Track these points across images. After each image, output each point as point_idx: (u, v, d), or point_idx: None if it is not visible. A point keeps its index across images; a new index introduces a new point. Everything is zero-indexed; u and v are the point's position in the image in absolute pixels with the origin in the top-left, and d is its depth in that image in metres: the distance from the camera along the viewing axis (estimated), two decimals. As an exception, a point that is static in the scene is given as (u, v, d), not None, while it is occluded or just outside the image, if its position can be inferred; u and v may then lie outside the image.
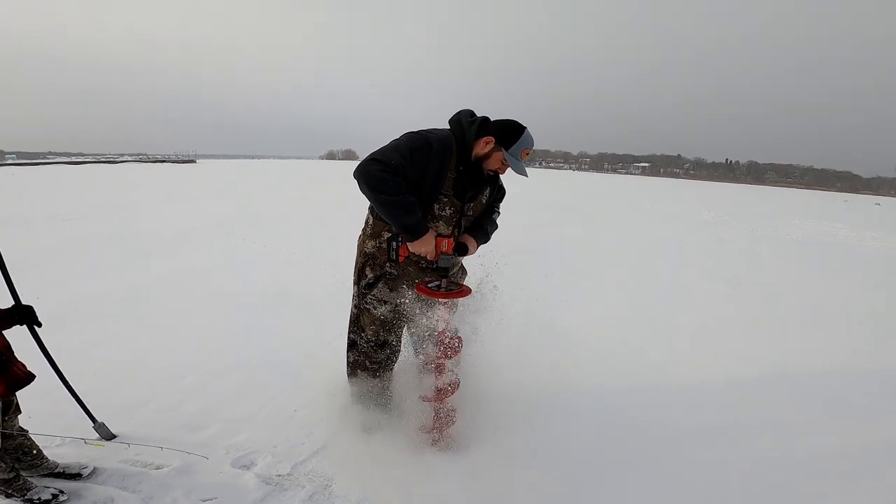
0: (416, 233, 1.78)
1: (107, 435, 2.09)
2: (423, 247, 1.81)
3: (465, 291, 1.93)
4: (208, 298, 4.13)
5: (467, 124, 1.87)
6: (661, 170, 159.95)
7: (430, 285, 1.94)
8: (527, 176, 1.92)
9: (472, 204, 1.99)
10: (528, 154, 1.86)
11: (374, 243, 2.01)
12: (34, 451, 1.80)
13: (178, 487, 1.84)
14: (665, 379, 3.02)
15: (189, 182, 17.72)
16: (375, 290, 2.04)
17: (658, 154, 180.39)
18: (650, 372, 3.11)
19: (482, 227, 2.08)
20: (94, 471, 1.89)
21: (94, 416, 2.06)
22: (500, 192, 2.17)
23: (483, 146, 1.85)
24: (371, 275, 2.04)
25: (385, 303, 2.06)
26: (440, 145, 1.80)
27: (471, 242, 2.01)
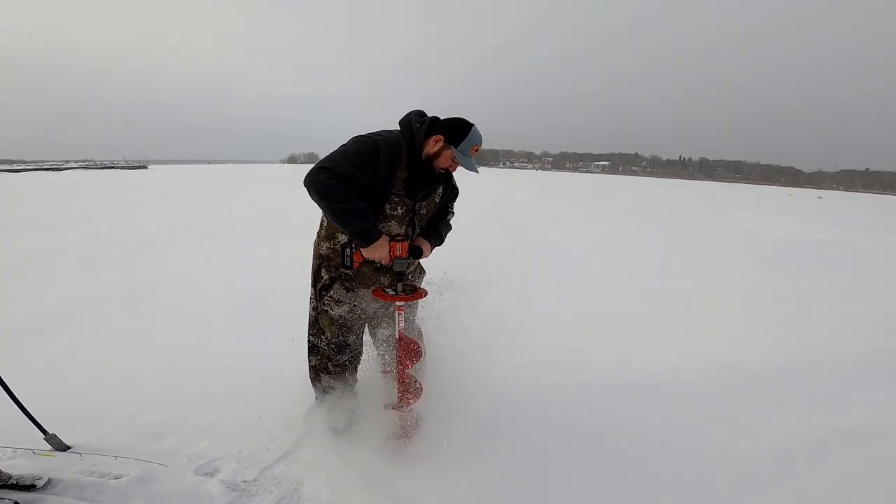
0: (369, 238, 1.79)
1: (59, 446, 2.02)
2: (377, 252, 1.83)
3: (420, 294, 1.97)
4: (164, 307, 4.00)
5: (416, 125, 1.89)
6: (620, 168, 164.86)
7: (386, 289, 1.96)
8: (477, 172, 1.95)
9: (424, 203, 2.00)
10: (476, 150, 1.90)
11: (328, 245, 2.02)
12: None
13: (138, 497, 1.79)
14: (623, 376, 3.11)
15: (142, 188, 17.01)
16: (332, 292, 2.05)
17: (617, 153, 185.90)
18: (612, 369, 3.19)
19: (436, 230, 2.11)
20: (49, 482, 1.82)
21: (45, 427, 1.98)
22: (453, 192, 2.19)
23: (433, 145, 1.87)
24: (327, 276, 2.05)
25: (342, 303, 2.07)
26: (388, 148, 1.81)
27: (425, 245, 2.03)
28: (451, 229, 2.22)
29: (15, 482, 1.78)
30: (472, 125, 1.89)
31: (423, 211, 2.03)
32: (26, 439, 1.99)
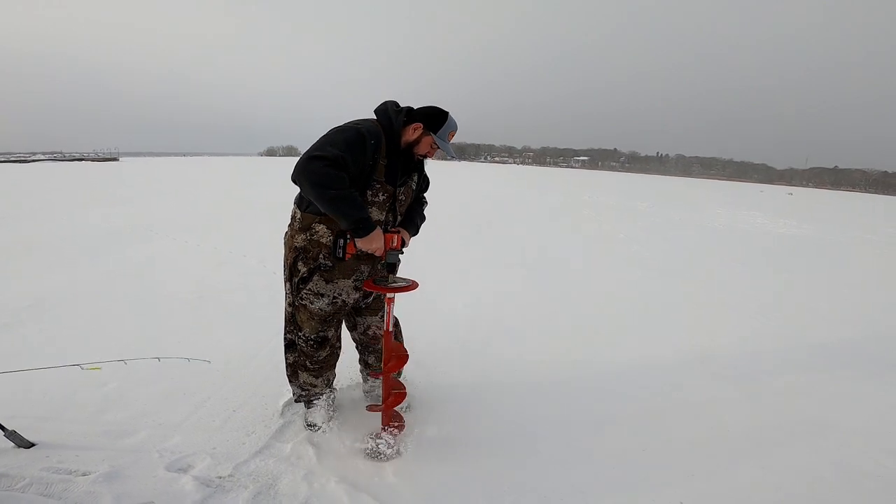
0: (367, 229, 1.77)
1: (21, 443, 1.94)
2: (372, 244, 1.80)
3: (413, 286, 1.96)
4: (135, 301, 3.88)
5: (394, 113, 1.93)
6: (599, 163, 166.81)
7: (377, 281, 1.96)
8: (455, 157, 2.05)
9: (403, 189, 2.03)
10: (453, 136, 1.98)
11: (304, 237, 1.97)
12: None
13: (106, 494, 1.72)
14: (596, 364, 3.16)
15: (112, 181, 16.50)
16: (311, 284, 2.01)
17: (596, 148, 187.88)
18: (580, 358, 3.24)
19: (413, 221, 2.15)
20: (29, 485, 1.75)
21: (4, 426, 1.91)
22: (425, 181, 2.25)
23: (412, 132, 1.92)
24: (304, 269, 2.00)
25: (322, 296, 2.03)
26: (371, 135, 1.83)
27: (405, 236, 2.06)
28: (425, 220, 2.26)
29: None
30: (448, 113, 1.95)
31: (402, 197, 2.05)
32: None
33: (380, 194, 1.92)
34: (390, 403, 2.07)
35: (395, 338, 2.43)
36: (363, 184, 1.86)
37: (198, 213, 9.03)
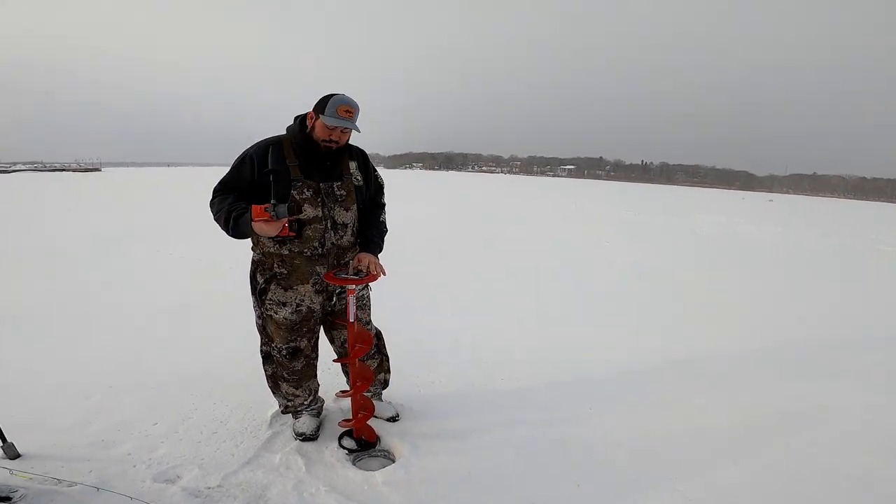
0: (238, 221, 1.82)
1: (13, 454, 1.92)
2: (263, 229, 1.78)
3: (373, 276, 1.99)
4: (116, 312, 3.84)
5: (295, 121, 2.03)
6: (585, 172, 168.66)
7: (337, 273, 1.99)
8: (358, 130, 1.97)
9: (339, 183, 2.03)
10: (347, 111, 1.90)
11: (258, 250, 2.04)
12: None
13: (95, 504, 1.71)
14: (581, 367, 3.21)
15: (94, 191, 16.26)
16: (270, 294, 2.04)
17: (582, 157, 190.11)
18: (566, 362, 3.28)
19: (372, 241, 2.14)
20: (23, 496, 1.72)
21: (5, 435, 1.90)
22: (373, 181, 2.22)
23: (309, 123, 1.97)
24: (262, 279, 2.04)
25: (284, 304, 2.04)
26: (255, 150, 1.96)
27: (371, 261, 2.01)
28: (386, 232, 2.25)
29: None
30: (337, 94, 1.94)
31: (342, 192, 2.04)
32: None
33: (305, 190, 1.95)
34: (358, 388, 2.11)
35: (379, 351, 2.45)
36: (284, 187, 1.91)
37: (180, 224, 8.94)
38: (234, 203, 1.87)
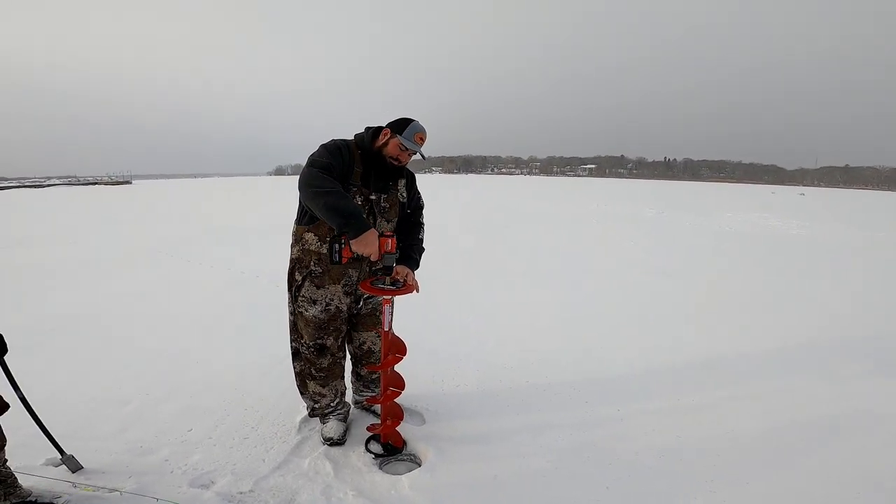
0: (359, 227, 1.78)
1: (75, 467, 2.00)
2: (367, 247, 1.81)
3: (409, 288, 2.05)
4: (150, 322, 3.97)
5: (365, 131, 2.16)
6: (607, 170, 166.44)
7: (374, 283, 2.03)
8: (424, 157, 2.16)
9: (385, 196, 2.16)
10: (421, 139, 2.10)
11: (298, 248, 2.13)
12: (9, 480, 1.76)
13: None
14: (608, 368, 3.18)
15: (126, 204, 16.84)
16: (304, 291, 2.14)
17: (603, 155, 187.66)
18: (592, 363, 3.26)
19: (411, 257, 2.23)
20: (67, 502, 1.81)
21: (63, 448, 1.98)
22: (417, 201, 2.37)
23: (382, 138, 2.10)
24: (299, 277, 2.14)
25: (314, 302, 2.13)
26: (344, 145, 2.08)
27: (408, 273, 2.11)
28: (423, 251, 2.34)
29: (34, 500, 1.78)
30: (414, 120, 2.11)
31: (386, 205, 2.17)
32: (38, 458, 2.04)
33: (356, 197, 2.06)
34: (389, 395, 2.15)
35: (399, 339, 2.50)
36: (343, 188, 1.97)
37: (210, 234, 9.19)
38: (349, 200, 1.86)
